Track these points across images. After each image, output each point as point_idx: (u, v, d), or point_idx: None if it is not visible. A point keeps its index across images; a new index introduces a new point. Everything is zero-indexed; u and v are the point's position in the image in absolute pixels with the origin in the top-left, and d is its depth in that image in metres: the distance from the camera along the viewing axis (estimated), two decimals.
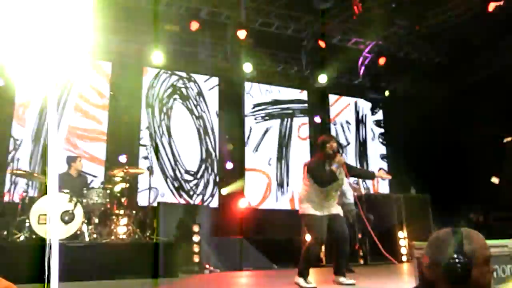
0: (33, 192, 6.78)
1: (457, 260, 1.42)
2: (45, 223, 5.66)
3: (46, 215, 5.68)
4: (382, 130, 12.40)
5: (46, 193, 5.87)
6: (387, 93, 11.14)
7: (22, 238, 5.81)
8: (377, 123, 12.42)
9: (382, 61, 10.03)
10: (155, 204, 7.89)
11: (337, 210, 4.79)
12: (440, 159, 10.52)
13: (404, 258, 8.42)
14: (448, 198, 9.33)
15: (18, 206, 6.44)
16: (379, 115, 12.46)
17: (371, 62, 10.31)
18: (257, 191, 10.37)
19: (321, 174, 4.62)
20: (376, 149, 12.17)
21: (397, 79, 11.69)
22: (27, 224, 5.78)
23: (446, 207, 8.85)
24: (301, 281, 4.51)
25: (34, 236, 5.67)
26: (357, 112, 12.19)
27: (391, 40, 10.03)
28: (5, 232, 5.97)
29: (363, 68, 10.51)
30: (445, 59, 10.56)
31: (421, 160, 10.57)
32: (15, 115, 8.59)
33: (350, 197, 6.84)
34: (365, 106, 12.29)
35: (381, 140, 12.33)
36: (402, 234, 8.63)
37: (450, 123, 10.58)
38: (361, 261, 8.13)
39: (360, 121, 12.17)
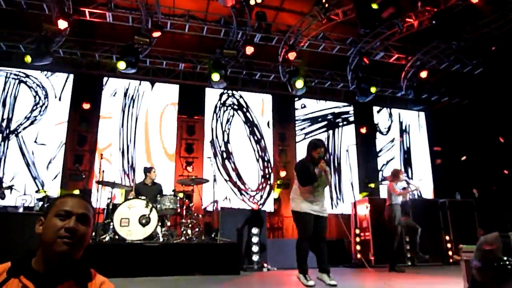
0: (116, 199, 7.12)
1: (507, 263, 1.35)
2: (126, 226, 5.92)
3: (127, 218, 5.94)
4: (426, 139, 11.90)
5: (126, 200, 6.16)
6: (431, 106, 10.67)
7: (107, 238, 6.09)
8: (421, 132, 11.95)
9: (423, 74, 9.65)
10: (218, 209, 8.02)
11: (323, 209, 4.65)
12: (483, 165, 9.92)
13: (449, 260, 7.99)
14: (492, 203, 8.76)
15: (103, 211, 6.81)
16: (423, 124, 11.99)
17: (413, 75, 9.95)
18: None
19: (302, 174, 4.54)
20: (420, 156, 11.67)
21: (439, 90, 11.22)
22: (111, 227, 6.07)
23: (490, 212, 8.33)
24: (301, 277, 4.39)
25: (117, 237, 5.93)
26: (400, 123, 11.79)
27: (431, 55, 9.64)
28: (93, 234, 6.29)
29: (405, 81, 10.16)
30: (485, 69, 9.98)
31: (465, 166, 10.02)
32: (100, 132, 9.18)
33: (396, 199, 6.63)
34: (408, 116, 11.88)
35: (425, 148, 11.83)
36: (448, 238, 8.21)
37: (493, 130, 9.96)
38: (409, 262, 7.79)
39: (404, 131, 11.76)
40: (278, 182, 10.02)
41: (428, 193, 11.19)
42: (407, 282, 4.71)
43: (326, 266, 4.42)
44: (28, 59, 7.85)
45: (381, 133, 11.52)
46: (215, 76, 8.56)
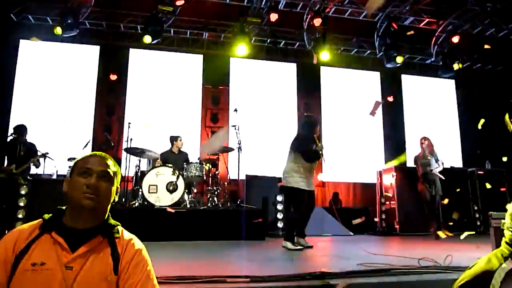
0: (144, 166, 7.26)
1: None
2: (154, 192, 6.06)
3: (155, 185, 6.07)
4: (457, 107, 11.48)
5: (154, 167, 6.27)
6: (456, 66, 10.16)
7: (136, 204, 6.27)
8: (452, 99, 11.52)
9: (455, 39, 9.19)
10: (243, 177, 8.07)
11: (313, 185, 4.93)
12: None
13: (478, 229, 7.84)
14: None
15: (132, 178, 6.98)
16: (453, 92, 11.55)
17: (444, 40, 9.50)
18: (334, 166, 10.14)
19: (310, 151, 4.78)
20: (451, 125, 11.31)
21: (471, 56, 10.68)
22: (140, 193, 6.22)
23: None
24: (289, 244, 4.64)
25: (145, 203, 6.08)
26: (430, 91, 11.39)
27: (464, 18, 9.13)
28: (123, 200, 6.48)
29: (436, 47, 9.72)
30: None
31: (496, 134, 9.64)
32: (127, 102, 9.30)
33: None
34: (438, 84, 11.45)
35: (456, 116, 11.43)
36: (476, 207, 8.03)
37: None
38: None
39: (434, 99, 11.37)
40: None
41: (457, 162, 10.90)
42: (431, 248, 4.66)
43: (304, 231, 4.91)
44: (58, 30, 7.93)
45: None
46: (241, 49, 8.52)
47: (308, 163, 4.78)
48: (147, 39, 8.27)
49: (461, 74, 11.20)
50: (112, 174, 1.43)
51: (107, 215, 1.44)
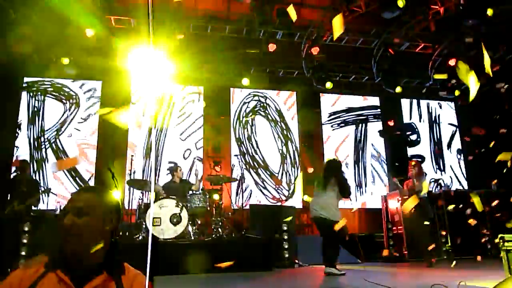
0: (147, 199, 7.21)
1: None
2: (158, 225, 5.99)
3: (158, 218, 6.01)
4: (456, 129, 11.51)
5: (157, 200, 6.22)
6: (457, 92, 10.30)
7: (140, 237, 6.18)
8: (451, 122, 11.57)
9: (452, 62, 9.32)
10: (247, 207, 8.02)
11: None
12: None
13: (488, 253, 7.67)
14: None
15: (136, 211, 6.92)
16: (453, 114, 11.60)
17: (441, 64, 9.63)
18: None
19: (349, 187, 5.63)
20: (451, 147, 11.30)
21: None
22: (143, 226, 6.15)
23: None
24: (334, 270, 5.15)
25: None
26: (429, 113, 11.45)
27: (458, 42, 9.28)
28: (127, 233, 6.40)
29: (433, 71, 9.84)
30: None
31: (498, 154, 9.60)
32: (129, 136, 9.33)
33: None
34: (437, 107, 11.53)
35: (456, 138, 11.44)
36: (485, 230, 7.89)
37: None
38: (444, 256, 7.54)
39: (434, 121, 11.41)
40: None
41: (460, 185, 10.84)
42: (446, 276, 4.55)
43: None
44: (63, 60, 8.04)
45: (411, 132, 11.21)
46: (244, 81, 8.68)
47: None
48: None
49: (461, 96, 11.26)
50: (89, 208, 1.34)
51: (106, 250, 1.38)
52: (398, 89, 9.51)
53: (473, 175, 10.81)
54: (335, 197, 5.45)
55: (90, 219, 1.33)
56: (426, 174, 6.61)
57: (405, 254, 7.48)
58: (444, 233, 7.58)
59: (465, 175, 11.07)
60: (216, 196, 6.97)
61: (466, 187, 10.72)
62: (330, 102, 10.85)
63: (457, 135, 11.44)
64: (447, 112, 11.60)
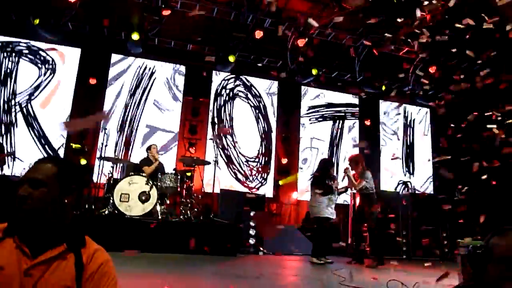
0: (117, 174, 7.11)
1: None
2: (126, 201, 5.93)
3: (127, 194, 5.95)
4: (429, 135, 11.81)
5: (127, 175, 6.15)
6: (435, 102, 10.55)
7: (106, 212, 6.11)
8: (424, 128, 11.86)
9: (432, 69, 9.51)
10: (218, 191, 8.01)
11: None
12: (485, 167, 9.83)
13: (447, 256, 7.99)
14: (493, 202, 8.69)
15: (104, 186, 6.82)
16: (427, 120, 11.90)
17: (422, 70, 9.81)
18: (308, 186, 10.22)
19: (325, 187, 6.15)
20: (422, 152, 11.62)
21: (447, 86, 11.04)
22: (111, 201, 6.08)
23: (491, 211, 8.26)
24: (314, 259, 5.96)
25: (116, 212, 5.94)
26: (405, 117, 11.70)
27: (440, 49, 9.46)
28: (93, 207, 6.30)
29: (413, 76, 10.03)
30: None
31: (467, 165, 9.95)
32: (105, 107, 9.13)
33: None
34: (414, 111, 11.79)
35: (428, 144, 11.76)
36: (445, 234, 8.21)
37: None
38: (404, 256, 7.79)
39: (408, 126, 11.68)
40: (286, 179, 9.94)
41: (429, 189, 11.18)
42: (402, 277, 4.70)
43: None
44: (36, 21, 7.71)
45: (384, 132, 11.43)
46: (229, 60, 8.60)
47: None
48: (135, 36, 8.15)
49: (437, 103, 11.53)
50: (45, 180, 1.31)
51: (67, 223, 1.35)
52: (379, 90, 9.64)
53: (440, 181, 11.15)
54: (321, 195, 6.08)
55: (47, 191, 1.30)
56: (365, 168, 6.46)
57: (367, 251, 7.62)
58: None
59: (431, 180, 11.41)
60: (187, 178, 6.93)
61: (432, 192, 11.05)
62: (310, 96, 10.91)
63: (429, 140, 11.74)
64: (422, 118, 11.87)
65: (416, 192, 10.40)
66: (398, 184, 11.07)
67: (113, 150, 8.71)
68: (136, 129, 9.28)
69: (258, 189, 9.79)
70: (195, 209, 6.56)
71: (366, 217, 6.27)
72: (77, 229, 1.38)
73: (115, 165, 6.82)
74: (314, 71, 9.26)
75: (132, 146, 9.13)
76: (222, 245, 5.83)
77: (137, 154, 8.68)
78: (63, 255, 1.30)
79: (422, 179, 11.37)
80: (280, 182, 9.84)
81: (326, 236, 6.24)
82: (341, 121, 11.08)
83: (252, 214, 6.97)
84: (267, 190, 9.80)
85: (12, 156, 6.37)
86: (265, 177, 10.00)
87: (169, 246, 5.61)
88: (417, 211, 7.99)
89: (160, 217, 6.13)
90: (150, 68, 9.73)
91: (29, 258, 1.26)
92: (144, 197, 6.01)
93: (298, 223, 9.07)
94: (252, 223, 6.85)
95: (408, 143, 11.57)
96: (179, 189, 6.64)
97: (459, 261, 3.35)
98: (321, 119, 10.90)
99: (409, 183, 10.99)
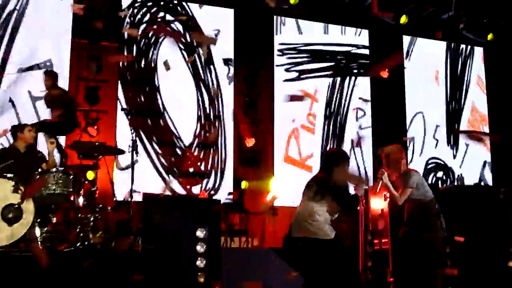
0: None
1: None
2: None
3: None
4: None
5: None
6: (490, 36, 10.89)
7: None
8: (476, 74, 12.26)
9: None
10: (139, 198, 7.96)
11: None
12: None
13: None
14: None
15: None
16: (479, 64, 12.27)
17: None
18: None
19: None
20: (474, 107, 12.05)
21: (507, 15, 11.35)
22: None
23: None
24: None
25: None
26: (446, 61, 12.00)
27: None
28: None
29: None
30: None
31: None
32: None
33: None
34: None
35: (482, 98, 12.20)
36: None
37: None
38: None
39: (452, 73, 12.01)
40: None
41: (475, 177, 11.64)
42: None
43: None
44: None
45: None
46: None
47: None
48: None
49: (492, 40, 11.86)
50: None
51: None
52: (403, 19, 9.74)
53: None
54: (332, 211, 5.86)
55: None
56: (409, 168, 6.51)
57: (390, 282, 7.79)
58: None
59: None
60: (87, 177, 6.86)
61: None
62: (289, 32, 10.94)
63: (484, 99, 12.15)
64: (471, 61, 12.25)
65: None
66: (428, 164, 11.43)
67: None
68: None
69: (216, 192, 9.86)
70: (102, 230, 6.53)
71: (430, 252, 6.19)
72: None
73: None
74: None
75: None
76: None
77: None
78: None
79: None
80: (243, 185, 9.86)
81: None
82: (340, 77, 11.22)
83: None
84: (222, 194, 9.83)
85: None
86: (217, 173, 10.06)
87: None
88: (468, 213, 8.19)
89: (41, 246, 6.04)
90: None
91: None
92: (11, 215, 5.89)
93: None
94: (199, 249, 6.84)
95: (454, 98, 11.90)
96: (72, 198, 6.58)
97: None
98: (306, 73, 10.97)
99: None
